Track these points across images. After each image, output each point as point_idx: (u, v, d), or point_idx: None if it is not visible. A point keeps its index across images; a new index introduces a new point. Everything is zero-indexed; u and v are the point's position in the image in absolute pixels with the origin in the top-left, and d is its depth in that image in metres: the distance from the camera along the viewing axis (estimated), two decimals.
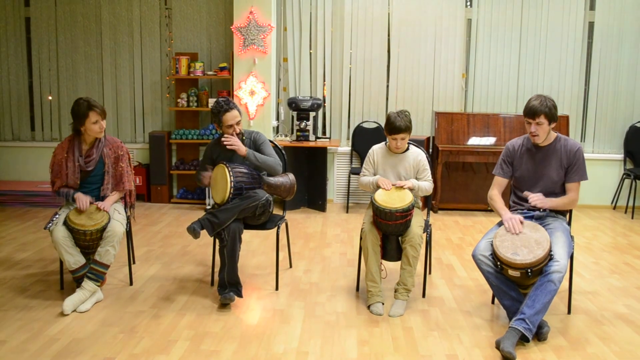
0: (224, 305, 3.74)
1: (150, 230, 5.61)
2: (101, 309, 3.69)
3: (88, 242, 3.74)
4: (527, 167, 3.62)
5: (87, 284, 3.71)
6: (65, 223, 3.73)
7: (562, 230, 3.45)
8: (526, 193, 3.55)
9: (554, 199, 3.52)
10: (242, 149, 3.87)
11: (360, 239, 3.83)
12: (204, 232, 3.75)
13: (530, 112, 3.46)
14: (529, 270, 3.21)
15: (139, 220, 5.92)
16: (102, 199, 3.93)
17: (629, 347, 3.28)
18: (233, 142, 3.84)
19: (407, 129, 3.76)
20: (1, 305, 3.73)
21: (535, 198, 3.47)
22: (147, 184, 6.82)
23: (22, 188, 6.63)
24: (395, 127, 3.73)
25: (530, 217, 3.54)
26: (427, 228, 3.98)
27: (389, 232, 3.73)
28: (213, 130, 6.57)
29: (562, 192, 3.55)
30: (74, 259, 3.73)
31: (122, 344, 3.22)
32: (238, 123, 3.92)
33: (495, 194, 3.68)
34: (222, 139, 3.88)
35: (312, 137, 6.49)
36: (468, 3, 6.78)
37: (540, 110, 3.42)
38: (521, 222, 3.42)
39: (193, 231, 3.71)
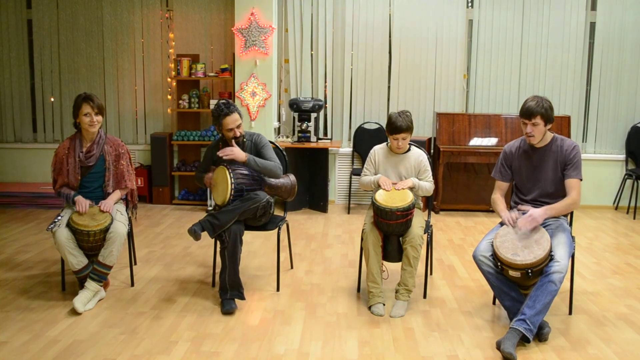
0: (228, 313, 3.69)
1: (151, 231, 5.62)
2: (102, 310, 3.70)
3: (91, 243, 3.74)
4: (525, 169, 3.63)
5: (91, 284, 3.73)
6: (68, 225, 3.74)
7: (562, 231, 3.45)
8: (519, 222, 3.42)
9: (551, 208, 3.44)
10: (241, 156, 3.83)
11: (361, 239, 3.84)
12: (204, 234, 3.74)
13: (527, 113, 3.46)
14: (530, 271, 3.21)
15: (141, 222, 5.93)
16: (105, 196, 3.95)
17: (630, 348, 3.28)
18: (228, 152, 3.81)
19: (408, 128, 3.77)
20: (3, 307, 3.74)
21: (526, 223, 3.36)
22: (149, 185, 6.82)
23: (24, 189, 6.64)
24: (396, 126, 3.74)
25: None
26: (427, 229, 3.98)
27: (390, 232, 3.73)
28: (214, 132, 6.57)
29: (562, 193, 3.54)
30: (77, 259, 3.73)
31: (123, 345, 3.23)
32: (239, 126, 3.91)
33: (497, 197, 3.69)
34: (218, 152, 3.85)
35: (313, 138, 6.49)
36: (469, 4, 6.78)
37: (537, 111, 3.43)
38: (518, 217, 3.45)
39: (194, 233, 3.71)
